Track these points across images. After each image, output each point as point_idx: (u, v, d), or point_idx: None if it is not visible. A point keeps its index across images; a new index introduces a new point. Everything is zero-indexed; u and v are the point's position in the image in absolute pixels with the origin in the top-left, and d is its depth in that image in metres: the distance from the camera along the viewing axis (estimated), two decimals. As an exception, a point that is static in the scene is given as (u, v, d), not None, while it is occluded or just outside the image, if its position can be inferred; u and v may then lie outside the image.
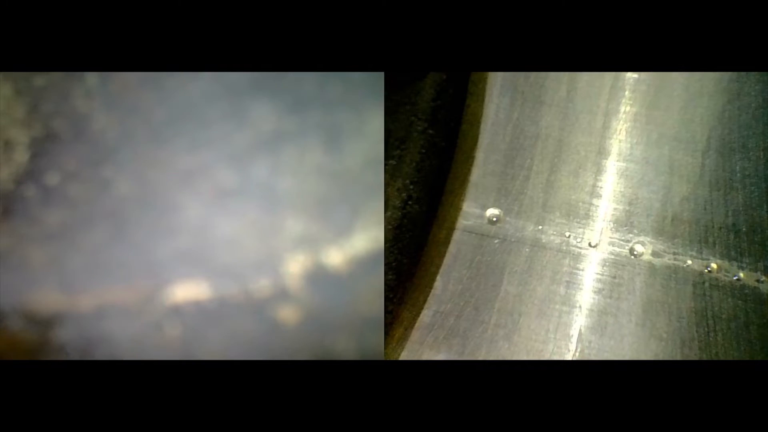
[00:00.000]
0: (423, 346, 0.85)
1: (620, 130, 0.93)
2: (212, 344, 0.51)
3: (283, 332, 0.52)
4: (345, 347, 0.54)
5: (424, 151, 0.80)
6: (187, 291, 0.50)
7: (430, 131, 0.91)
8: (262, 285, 0.50)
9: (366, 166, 0.56)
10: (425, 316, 0.86)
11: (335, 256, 0.52)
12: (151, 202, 0.52)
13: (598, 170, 0.91)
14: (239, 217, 0.52)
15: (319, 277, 0.52)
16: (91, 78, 0.59)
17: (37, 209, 0.52)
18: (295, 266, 0.50)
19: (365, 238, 0.53)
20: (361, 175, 0.54)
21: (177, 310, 0.50)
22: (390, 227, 0.83)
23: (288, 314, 0.51)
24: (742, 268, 0.85)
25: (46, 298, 0.51)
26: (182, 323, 0.51)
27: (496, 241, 0.89)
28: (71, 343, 0.51)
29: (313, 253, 0.51)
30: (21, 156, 0.55)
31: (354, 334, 0.54)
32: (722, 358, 0.81)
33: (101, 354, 0.52)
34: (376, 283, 0.51)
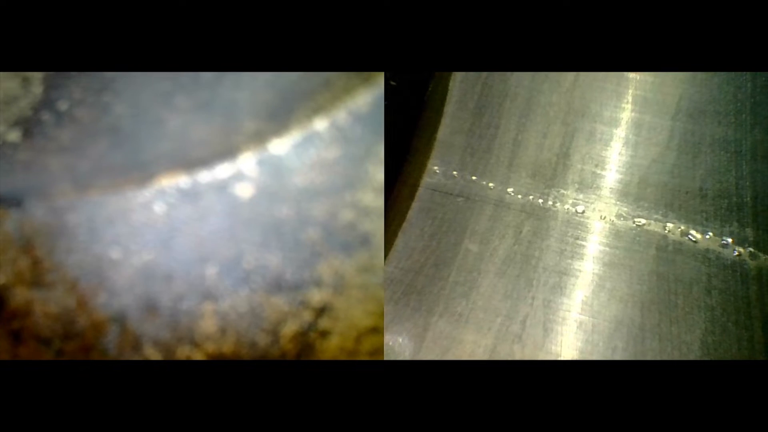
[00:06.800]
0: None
1: (590, 90, 0.92)
2: (189, 214, 0.65)
3: (241, 205, 0.65)
4: (286, 214, 0.65)
5: (386, 103, 0.78)
6: (170, 178, 0.65)
7: (392, 82, 0.90)
8: (223, 169, 0.65)
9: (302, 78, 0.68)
10: (385, 271, 0.85)
11: (279, 145, 0.66)
12: (142, 118, 0.67)
13: (566, 131, 0.90)
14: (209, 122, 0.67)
15: (266, 161, 0.65)
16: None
17: (52, 129, 0.67)
18: (249, 155, 0.65)
19: (300, 129, 0.65)
20: (298, 84, 0.67)
21: (162, 192, 0.64)
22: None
23: (244, 190, 0.65)
24: (707, 233, 0.83)
25: (62, 193, 0.65)
26: (165, 202, 0.64)
27: (459, 199, 0.88)
28: (81, 225, 0.65)
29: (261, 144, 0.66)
30: (37, 89, 0.69)
31: (293, 203, 0.65)
32: (682, 322, 0.80)
33: (105, 234, 0.65)
34: (314, 161, 0.66)
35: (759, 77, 0.89)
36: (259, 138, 0.64)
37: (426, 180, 0.90)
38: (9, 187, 0.65)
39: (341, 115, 0.63)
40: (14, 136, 0.67)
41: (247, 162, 0.64)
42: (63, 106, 0.67)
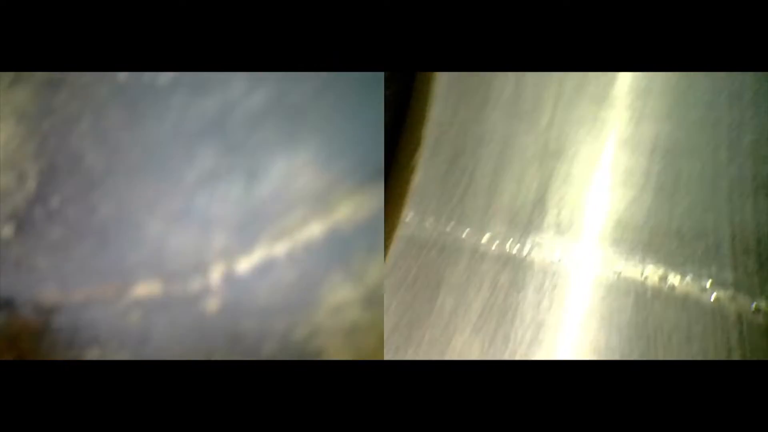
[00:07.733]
0: (358, 361, 0.84)
1: (565, 131, 0.90)
2: (161, 325, 0.68)
3: (208, 318, 0.69)
4: (251, 328, 0.68)
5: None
6: (146, 288, 0.68)
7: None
8: (195, 284, 0.68)
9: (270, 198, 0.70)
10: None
11: (245, 264, 0.68)
12: (126, 222, 0.70)
13: (542, 174, 0.89)
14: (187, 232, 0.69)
15: (232, 278, 0.69)
16: (86, 121, 0.74)
17: (42, 226, 0.70)
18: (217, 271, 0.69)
19: (267, 250, 0.68)
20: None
21: (138, 302, 0.68)
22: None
23: (211, 304, 0.69)
24: (686, 276, 0.82)
25: (48, 294, 0.69)
26: (140, 312, 0.68)
27: (434, 251, 0.87)
28: (65, 326, 0.68)
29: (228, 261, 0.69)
30: (31, 183, 0.71)
31: (259, 319, 0.68)
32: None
33: (85, 335, 0.69)
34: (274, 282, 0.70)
35: (735, 112, 0.87)
36: (227, 254, 0.67)
37: (400, 231, 0.89)
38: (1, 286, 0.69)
39: (299, 242, 0.67)
40: (7, 231, 0.70)
41: (215, 276, 0.68)
42: (54, 202, 0.70)
